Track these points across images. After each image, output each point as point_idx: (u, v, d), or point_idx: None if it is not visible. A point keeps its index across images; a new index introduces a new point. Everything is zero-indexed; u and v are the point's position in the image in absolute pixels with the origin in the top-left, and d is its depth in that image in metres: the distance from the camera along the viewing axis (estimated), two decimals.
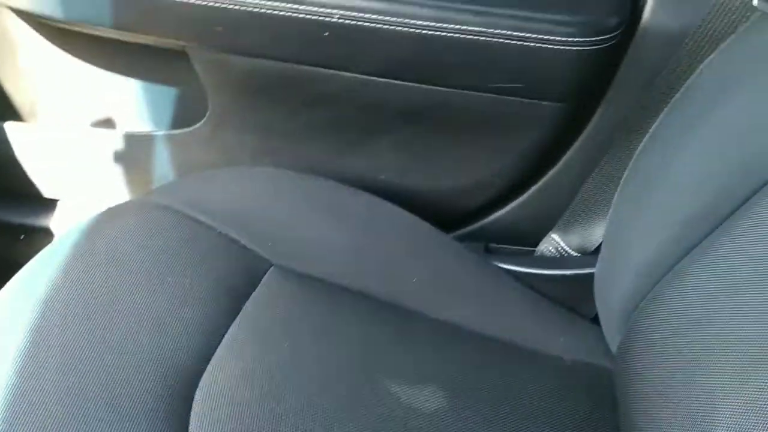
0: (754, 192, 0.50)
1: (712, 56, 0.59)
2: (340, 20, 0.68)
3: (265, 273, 0.66)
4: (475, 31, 0.67)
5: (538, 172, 0.84)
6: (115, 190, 0.96)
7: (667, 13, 0.68)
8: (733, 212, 0.51)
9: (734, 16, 0.61)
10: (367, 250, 0.72)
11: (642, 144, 0.64)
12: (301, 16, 0.68)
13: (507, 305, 0.73)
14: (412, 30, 0.67)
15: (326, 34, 0.69)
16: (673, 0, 0.68)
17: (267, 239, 0.68)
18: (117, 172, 0.94)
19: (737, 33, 0.57)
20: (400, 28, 0.67)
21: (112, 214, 0.68)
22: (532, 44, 0.67)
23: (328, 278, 0.67)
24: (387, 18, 0.67)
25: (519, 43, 0.67)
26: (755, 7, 0.56)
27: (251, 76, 0.77)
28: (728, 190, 0.52)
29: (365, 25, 0.68)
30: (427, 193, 0.87)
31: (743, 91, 0.54)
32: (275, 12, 0.69)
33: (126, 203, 0.72)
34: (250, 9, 0.69)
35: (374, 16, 0.67)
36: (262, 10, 0.69)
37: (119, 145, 0.91)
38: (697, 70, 0.60)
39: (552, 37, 0.67)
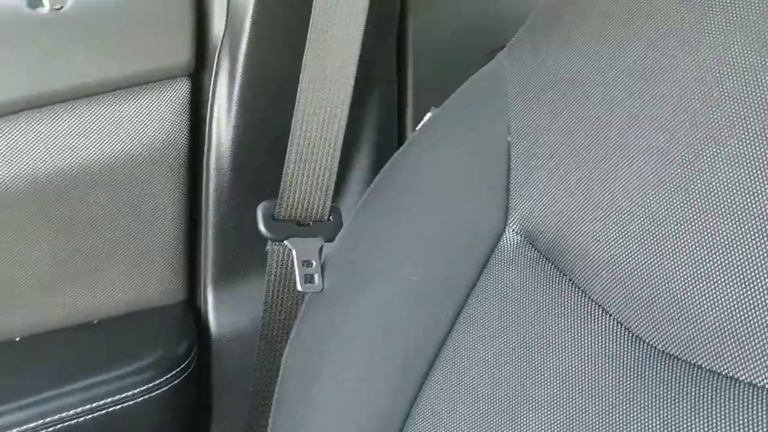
0: None
1: (287, 350, 0.58)
2: None
3: None
4: (39, 425, 0.58)
5: None
6: None
7: (228, 321, 0.67)
8: None
9: (290, 303, 0.61)
10: None
11: None
12: None
13: None
14: None
15: None
16: (229, 306, 0.67)
17: None
18: None
19: (298, 320, 0.57)
20: None
21: None
22: (110, 409, 0.60)
23: None
24: None
25: (95, 414, 0.60)
26: (302, 292, 0.56)
27: None
28: None
29: None
30: None
31: (323, 385, 0.53)
32: None
33: None
34: None
35: None
36: None
37: None
38: (281, 370, 0.58)
39: (126, 394, 0.61)
